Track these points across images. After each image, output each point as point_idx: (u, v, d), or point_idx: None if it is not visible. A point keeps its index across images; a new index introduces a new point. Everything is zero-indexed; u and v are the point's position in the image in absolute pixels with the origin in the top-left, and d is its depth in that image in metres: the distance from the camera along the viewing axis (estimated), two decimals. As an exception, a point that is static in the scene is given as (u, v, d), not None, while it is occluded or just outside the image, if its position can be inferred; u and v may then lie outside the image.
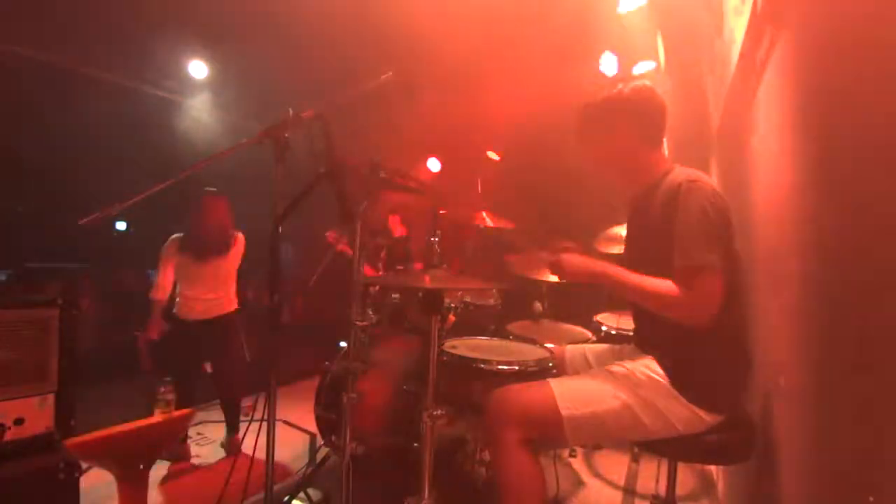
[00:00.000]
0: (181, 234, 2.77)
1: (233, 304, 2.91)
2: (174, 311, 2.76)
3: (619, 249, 2.52)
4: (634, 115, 1.42)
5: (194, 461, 2.67)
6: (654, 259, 1.33)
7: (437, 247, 1.52)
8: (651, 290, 1.27)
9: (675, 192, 1.30)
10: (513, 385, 1.43)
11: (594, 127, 1.47)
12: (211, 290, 2.80)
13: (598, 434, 1.35)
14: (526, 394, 1.36)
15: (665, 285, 1.25)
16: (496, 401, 1.38)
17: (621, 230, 2.56)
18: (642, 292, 1.29)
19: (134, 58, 3.83)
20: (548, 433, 1.34)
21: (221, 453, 2.76)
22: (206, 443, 2.89)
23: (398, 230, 3.55)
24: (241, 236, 2.91)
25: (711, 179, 1.36)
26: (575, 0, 2.86)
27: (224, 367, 2.88)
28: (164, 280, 2.75)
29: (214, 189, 2.83)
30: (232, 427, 2.82)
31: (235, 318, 2.92)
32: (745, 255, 1.35)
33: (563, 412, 1.29)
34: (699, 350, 1.28)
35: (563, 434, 1.31)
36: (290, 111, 1.36)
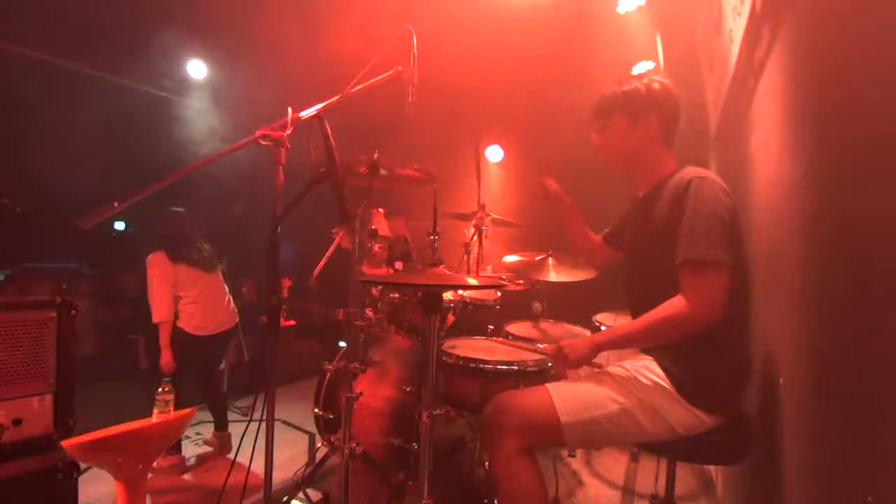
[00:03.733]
0: (162, 250, 2.66)
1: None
2: (179, 324, 2.66)
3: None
4: (660, 110, 1.43)
5: (193, 461, 2.67)
6: (658, 256, 1.32)
7: (436, 245, 1.52)
8: (655, 320, 1.25)
9: (685, 188, 1.29)
10: (510, 392, 1.43)
11: (617, 116, 1.45)
12: (223, 299, 2.83)
13: (598, 438, 1.34)
14: (524, 402, 1.35)
15: (666, 306, 1.24)
16: (494, 410, 1.37)
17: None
18: (651, 328, 1.27)
19: (134, 58, 3.83)
20: (547, 440, 1.34)
21: (220, 453, 2.76)
22: (203, 443, 2.89)
23: (399, 230, 3.54)
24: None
25: (719, 179, 1.35)
26: (575, 0, 2.86)
27: (209, 370, 2.88)
28: (168, 298, 2.62)
29: (179, 208, 2.84)
30: (220, 424, 2.82)
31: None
32: (745, 255, 1.35)
33: (563, 419, 1.28)
34: (699, 351, 1.27)
35: (562, 440, 1.31)
36: (290, 111, 1.36)
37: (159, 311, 2.59)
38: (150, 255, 2.66)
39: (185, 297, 2.70)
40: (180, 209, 2.83)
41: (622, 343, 1.36)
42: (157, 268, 2.63)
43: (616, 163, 1.52)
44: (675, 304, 1.24)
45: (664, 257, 1.28)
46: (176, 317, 2.67)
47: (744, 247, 1.32)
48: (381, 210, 2.37)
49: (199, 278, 2.73)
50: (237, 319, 2.91)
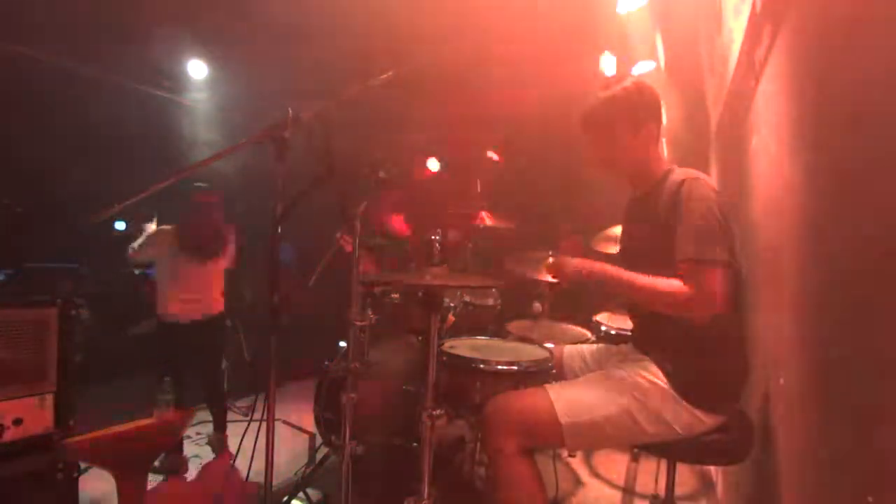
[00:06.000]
0: (173, 228, 2.67)
1: (219, 306, 2.84)
2: (158, 312, 2.66)
3: (616, 249, 2.52)
4: (656, 114, 1.42)
5: (193, 461, 2.67)
6: (654, 258, 1.32)
7: (437, 245, 1.52)
8: (655, 288, 1.25)
9: (678, 189, 1.30)
10: (509, 393, 1.43)
11: (599, 127, 1.44)
12: (196, 291, 2.73)
13: (598, 440, 1.34)
14: (523, 403, 1.35)
15: (669, 282, 1.24)
16: (493, 411, 1.37)
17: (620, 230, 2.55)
18: (646, 290, 1.26)
19: (134, 58, 3.83)
20: (546, 441, 1.34)
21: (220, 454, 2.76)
22: (205, 443, 2.89)
23: (400, 229, 3.55)
24: (232, 234, 2.85)
25: (711, 179, 1.36)
26: (575, 0, 2.86)
27: (210, 369, 2.86)
28: (146, 260, 2.74)
29: (205, 184, 2.75)
30: (219, 425, 2.81)
31: (222, 321, 2.89)
32: (745, 255, 1.35)
33: (562, 420, 1.28)
34: (698, 351, 1.27)
35: (561, 441, 1.31)
36: (290, 111, 1.36)
37: (136, 256, 2.73)
38: (164, 229, 2.67)
39: (172, 285, 2.65)
40: (212, 198, 2.76)
41: (617, 285, 1.33)
42: (160, 245, 2.65)
43: (618, 170, 1.49)
44: (678, 286, 1.22)
45: (662, 257, 1.29)
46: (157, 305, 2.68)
47: (740, 245, 1.32)
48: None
49: (193, 269, 2.68)
50: (219, 310, 2.84)
